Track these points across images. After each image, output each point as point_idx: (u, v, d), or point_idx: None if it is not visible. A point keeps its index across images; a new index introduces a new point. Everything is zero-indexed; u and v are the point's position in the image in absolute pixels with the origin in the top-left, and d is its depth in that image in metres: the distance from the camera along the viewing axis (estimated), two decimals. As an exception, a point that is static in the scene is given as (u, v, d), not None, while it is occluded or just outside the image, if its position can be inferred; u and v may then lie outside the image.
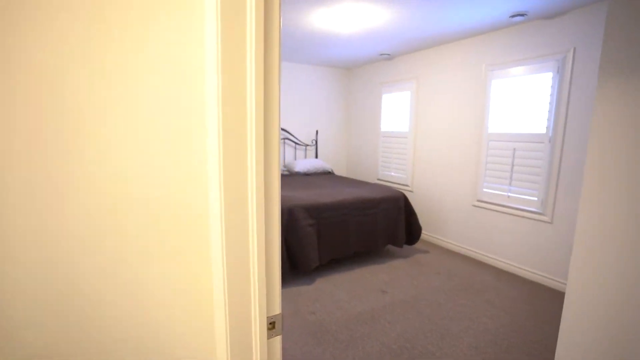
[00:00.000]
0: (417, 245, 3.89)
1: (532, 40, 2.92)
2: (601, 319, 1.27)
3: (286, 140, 5.02)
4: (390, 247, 3.65)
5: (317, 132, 5.21)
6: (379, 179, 4.89)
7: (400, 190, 3.67)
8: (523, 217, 3.07)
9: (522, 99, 3.01)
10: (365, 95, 5.08)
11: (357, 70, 5.22)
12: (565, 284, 2.78)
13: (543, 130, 2.88)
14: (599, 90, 1.17)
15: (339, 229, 3.06)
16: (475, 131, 3.45)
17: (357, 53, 4.22)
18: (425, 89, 4.01)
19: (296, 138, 5.07)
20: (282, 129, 4.89)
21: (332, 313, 2.47)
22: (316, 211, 2.95)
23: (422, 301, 2.64)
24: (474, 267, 3.30)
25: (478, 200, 3.48)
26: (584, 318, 1.33)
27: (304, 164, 4.68)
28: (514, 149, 3.10)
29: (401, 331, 2.25)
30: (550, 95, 2.81)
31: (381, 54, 4.26)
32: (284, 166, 4.93)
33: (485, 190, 3.40)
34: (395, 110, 4.50)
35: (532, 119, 2.95)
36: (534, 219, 2.98)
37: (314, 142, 5.26)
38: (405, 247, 3.79)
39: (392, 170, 4.62)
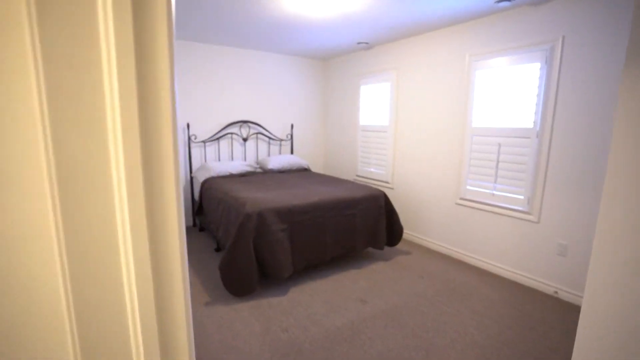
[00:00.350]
0: (399, 245, 3.70)
1: (518, 28, 2.73)
2: (623, 332, 1.08)
3: (259, 135, 4.69)
4: (370, 249, 3.43)
5: (292, 126, 4.91)
6: (358, 176, 4.66)
7: (380, 189, 3.44)
8: (508, 216, 2.92)
9: (508, 91, 2.83)
10: (342, 87, 4.82)
11: (334, 60, 4.94)
12: (549, 285, 2.65)
13: (530, 125, 2.71)
14: (625, 78, 0.95)
15: (315, 233, 2.80)
16: (458, 125, 3.26)
17: (333, 41, 3.94)
18: (406, 81, 3.79)
19: (270, 132, 4.75)
20: (255, 123, 4.56)
21: (307, 329, 2.21)
22: (288, 214, 2.67)
23: (404, 310, 2.43)
24: (457, 269, 3.13)
25: (461, 199, 3.30)
26: (603, 332, 1.13)
27: (278, 160, 4.38)
28: (499, 145, 2.93)
29: (383, 349, 2.02)
30: (538, 87, 2.64)
31: (359, 43, 4.00)
32: (257, 163, 4.61)
33: (469, 187, 3.22)
34: (375, 103, 4.26)
35: (519, 112, 2.78)
36: (520, 218, 2.83)
37: (289, 136, 4.96)
38: (387, 248, 3.58)
39: (372, 166, 4.40)
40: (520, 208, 2.82)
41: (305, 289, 2.74)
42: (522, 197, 2.81)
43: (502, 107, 2.88)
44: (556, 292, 2.64)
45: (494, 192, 3.01)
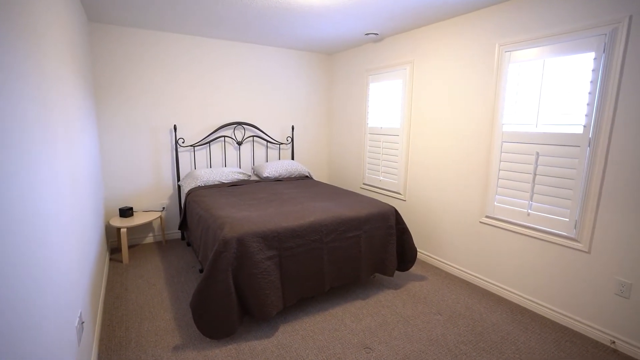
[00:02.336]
0: (412, 268, 3.18)
1: (564, 9, 2.18)
2: None
3: (255, 138, 4.22)
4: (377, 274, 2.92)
5: (292, 128, 4.42)
6: (365, 184, 4.15)
7: (390, 204, 2.92)
8: (549, 241, 2.37)
9: (550, 88, 2.29)
10: (349, 85, 4.31)
11: (340, 55, 4.43)
12: (605, 333, 2.08)
13: (579, 130, 2.16)
14: None
15: (310, 261, 2.31)
16: (485, 129, 2.72)
17: (338, 32, 3.44)
18: (421, 77, 3.26)
19: (267, 135, 4.27)
20: (250, 125, 4.09)
21: (294, 392, 1.73)
22: (277, 239, 2.19)
23: (419, 365, 1.92)
24: (484, 303, 2.60)
25: (487, 216, 2.77)
26: None
27: (275, 167, 3.90)
28: (537, 153, 2.38)
29: None
30: (591, 82, 2.09)
31: (367, 34, 3.48)
32: (252, 170, 4.15)
33: (497, 204, 2.68)
34: (385, 102, 3.74)
35: (564, 115, 2.23)
36: (564, 246, 2.29)
37: (289, 140, 4.48)
38: (397, 272, 3.07)
39: (381, 174, 3.88)
40: (564, 233, 2.28)
41: (298, 328, 2.25)
42: (567, 219, 2.26)
43: (542, 108, 2.34)
44: (614, 342, 2.09)
45: (530, 211, 2.47)
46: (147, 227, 3.72)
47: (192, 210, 2.94)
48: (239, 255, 2.07)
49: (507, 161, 2.58)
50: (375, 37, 3.61)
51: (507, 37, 2.52)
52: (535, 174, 2.41)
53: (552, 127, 2.30)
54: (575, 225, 2.21)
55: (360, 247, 2.53)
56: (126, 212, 3.36)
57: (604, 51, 2.01)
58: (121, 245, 3.19)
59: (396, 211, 2.78)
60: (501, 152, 2.62)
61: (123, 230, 3.13)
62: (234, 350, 2.02)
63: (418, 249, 3.49)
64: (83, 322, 1.64)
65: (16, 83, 0.96)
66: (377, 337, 2.16)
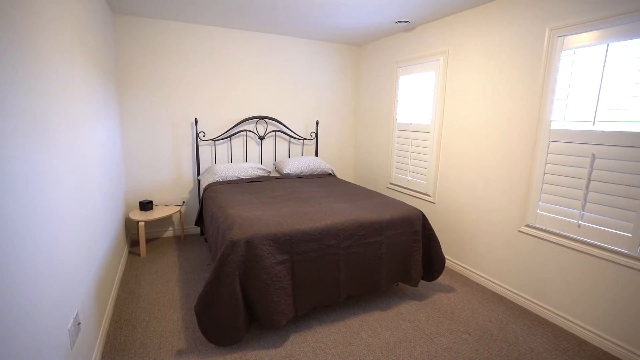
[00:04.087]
0: (439, 278, 2.91)
1: (636, -17, 1.82)
2: None
3: (278, 133, 4.09)
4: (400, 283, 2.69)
5: (317, 123, 4.24)
6: (391, 184, 3.89)
7: (417, 209, 2.68)
8: (603, 259, 2.03)
9: (614, 79, 1.94)
10: (377, 78, 4.05)
11: (367, 46, 4.18)
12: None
13: (648, 129, 1.81)
14: None
15: (325, 268, 2.13)
16: (529, 126, 2.40)
17: (366, 21, 3.20)
18: (456, 68, 2.95)
19: (291, 130, 4.12)
20: (273, 119, 3.96)
21: (299, 415, 1.56)
22: (289, 243, 2.03)
23: (443, 394, 1.69)
24: (520, 322, 2.30)
25: (528, 226, 2.45)
26: None
27: (297, 164, 3.74)
28: (593, 155, 2.04)
29: None
30: (667, 71, 1.73)
31: (398, 22, 3.22)
32: (274, 166, 4.02)
33: (540, 212, 2.36)
34: (415, 96, 3.46)
35: (631, 110, 1.88)
36: (624, 265, 1.94)
37: (314, 135, 4.30)
38: (422, 282, 2.82)
39: (409, 174, 3.61)
40: (625, 251, 1.93)
41: (309, 339, 2.08)
42: (629, 234, 1.91)
43: (602, 103, 1.99)
44: (684, 385, 1.74)
45: (581, 222, 2.13)
46: (166, 221, 3.70)
47: (207, 206, 2.85)
48: (248, 259, 1.93)
49: (554, 163, 2.25)
50: (406, 26, 3.33)
51: (559, 19, 2.18)
52: (589, 180, 2.07)
53: (613, 125, 1.95)
54: None
55: (381, 253, 2.31)
56: (146, 206, 3.34)
57: (686, 32, 1.65)
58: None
59: (423, 215, 2.53)
60: (547, 152, 2.29)
61: (141, 224, 3.11)
62: (238, 359, 1.89)
63: (446, 256, 3.20)
64: (79, 323, 1.56)
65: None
66: (395, 355, 1.95)
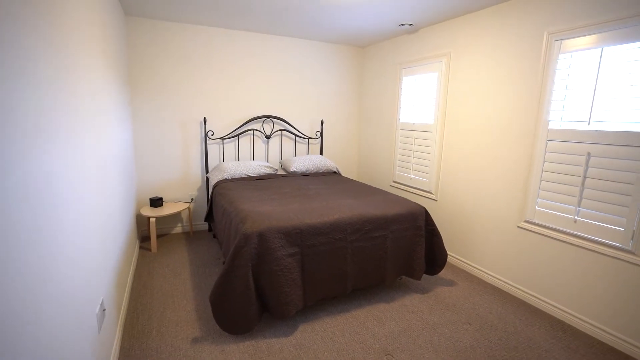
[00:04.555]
0: (441, 273, 3.01)
1: (629, -10, 1.92)
2: None
3: (284, 132, 4.19)
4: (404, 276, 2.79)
5: (322, 122, 4.34)
6: (394, 182, 3.99)
7: (420, 204, 2.78)
8: (598, 252, 2.13)
9: (608, 81, 2.04)
10: (380, 79, 4.15)
11: (371, 47, 4.28)
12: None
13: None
14: None
15: (332, 261, 2.23)
16: (528, 126, 2.50)
17: (371, 23, 3.30)
18: (459, 70, 3.05)
19: (296, 129, 4.22)
20: (279, 119, 4.06)
21: (310, 396, 1.66)
22: (299, 236, 2.13)
23: (445, 378, 1.79)
24: (519, 314, 2.40)
25: (527, 221, 2.55)
26: None
27: (302, 162, 3.85)
28: (588, 154, 2.14)
29: None
30: (658, 74, 1.83)
31: (401, 25, 3.32)
32: (280, 164, 4.12)
33: (538, 208, 2.46)
34: (418, 97, 3.56)
35: (623, 111, 1.98)
36: (618, 259, 2.04)
37: (319, 134, 4.41)
38: (425, 276, 2.92)
39: (412, 172, 3.71)
40: (618, 244, 2.03)
41: (318, 328, 2.19)
42: (622, 229, 2.01)
43: (596, 103, 2.09)
44: (673, 371, 1.84)
45: (577, 218, 2.23)
46: (175, 217, 3.81)
47: (217, 202, 2.95)
48: (260, 251, 2.03)
49: (552, 162, 2.35)
50: (410, 28, 3.44)
51: (557, 24, 2.28)
52: (585, 177, 2.17)
53: (607, 125, 2.05)
54: (633, 236, 1.97)
55: (387, 247, 2.41)
56: (156, 202, 3.44)
57: (676, 38, 1.75)
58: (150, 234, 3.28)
59: (426, 211, 2.63)
60: (545, 151, 2.39)
61: (152, 220, 3.21)
62: (250, 347, 1.99)
63: (448, 252, 3.30)
64: (105, 310, 1.67)
65: (43, 72, 0.95)
66: (400, 344, 2.05)
